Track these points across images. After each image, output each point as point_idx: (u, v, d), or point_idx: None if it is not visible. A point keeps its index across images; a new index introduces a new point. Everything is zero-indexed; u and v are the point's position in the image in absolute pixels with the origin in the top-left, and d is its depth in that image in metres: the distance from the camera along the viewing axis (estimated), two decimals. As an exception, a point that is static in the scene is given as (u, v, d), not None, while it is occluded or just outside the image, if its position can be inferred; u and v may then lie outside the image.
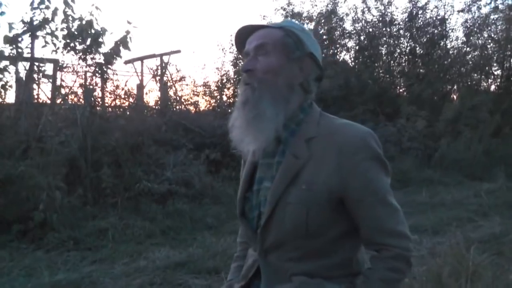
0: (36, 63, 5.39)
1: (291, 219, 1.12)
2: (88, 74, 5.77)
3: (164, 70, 9.52)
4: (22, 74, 5.48)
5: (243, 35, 1.24)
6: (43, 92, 6.04)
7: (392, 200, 1.13)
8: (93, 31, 5.24)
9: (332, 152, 1.11)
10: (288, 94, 1.17)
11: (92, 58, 5.43)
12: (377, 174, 1.12)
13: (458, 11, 13.22)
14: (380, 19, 12.93)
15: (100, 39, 5.32)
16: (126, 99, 7.15)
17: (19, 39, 5.12)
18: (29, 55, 5.38)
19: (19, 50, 5.14)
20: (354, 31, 13.08)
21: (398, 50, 13.23)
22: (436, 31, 12.96)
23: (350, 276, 1.16)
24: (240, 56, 11.15)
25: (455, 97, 13.01)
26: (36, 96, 5.87)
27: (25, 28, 5.12)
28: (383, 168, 1.14)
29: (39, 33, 5.18)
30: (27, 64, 5.45)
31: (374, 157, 1.13)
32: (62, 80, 5.78)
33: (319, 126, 1.17)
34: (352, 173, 1.10)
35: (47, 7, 5.10)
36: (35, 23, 5.12)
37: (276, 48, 1.17)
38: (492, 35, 13.47)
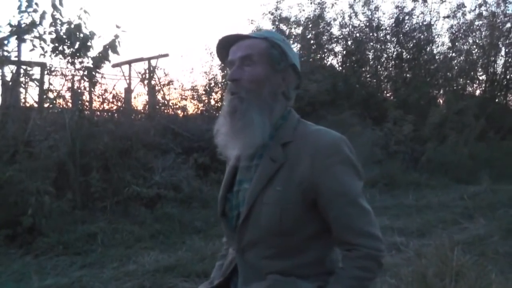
0: (23, 67, 5.35)
1: (266, 218, 1.17)
2: (76, 78, 5.73)
3: (152, 74, 9.46)
4: (9, 77, 5.43)
5: (226, 44, 1.28)
6: (30, 96, 6.01)
7: (363, 202, 1.18)
8: (81, 35, 5.21)
9: (306, 156, 1.17)
10: (273, 103, 1.23)
11: (81, 62, 5.40)
12: (348, 177, 1.17)
13: (444, 17, 13.42)
14: (367, 24, 13.09)
15: (89, 43, 5.29)
16: (115, 103, 7.11)
17: (5, 42, 5.09)
18: (16, 59, 5.34)
19: (6, 53, 5.11)
20: (342, 36, 13.22)
21: (385, 55, 13.41)
22: (422, 36, 13.16)
23: (323, 275, 1.20)
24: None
25: (441, 101, 13.20)
26: (23, 100, 5.82)
27: (11, 31, 5.08)
28: (354, 171, 1.19)
29: (26, 36, 5.14)
30: (14, 68, 5.41)
31: (346, 161, 1.18)
32: (50, 83, 5.73)
33: (296, 132, 1.23)
34: (324, 175, 1.15)
35: (35, 11, 5.05)
36: (22, 26, 5.08)
37: (261, 59, 1.23)
38: (477, 41, 13.71)
